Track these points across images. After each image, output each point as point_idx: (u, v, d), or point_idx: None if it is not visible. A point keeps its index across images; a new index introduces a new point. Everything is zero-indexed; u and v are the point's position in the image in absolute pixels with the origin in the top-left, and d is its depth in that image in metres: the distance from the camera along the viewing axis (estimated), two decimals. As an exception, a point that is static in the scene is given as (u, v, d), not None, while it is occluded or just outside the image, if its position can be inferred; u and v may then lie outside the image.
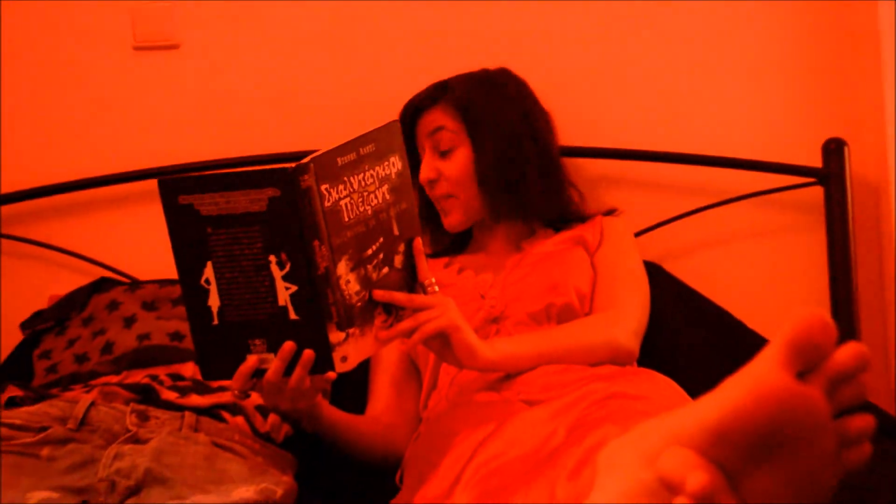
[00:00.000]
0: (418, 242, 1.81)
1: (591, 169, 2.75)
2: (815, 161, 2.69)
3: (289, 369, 1.67)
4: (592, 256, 2.27)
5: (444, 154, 2.28)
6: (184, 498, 1.71)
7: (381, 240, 1.72)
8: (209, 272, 1.64)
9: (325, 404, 2.00)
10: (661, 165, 2.75)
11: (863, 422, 1.00)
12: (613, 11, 2.81)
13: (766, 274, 2.76)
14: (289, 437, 2.19)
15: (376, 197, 1.71)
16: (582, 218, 2.39)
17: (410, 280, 1.81)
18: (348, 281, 1.64)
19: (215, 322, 1.67)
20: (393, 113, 2.33)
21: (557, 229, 2.35)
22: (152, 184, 1.69)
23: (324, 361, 1.65)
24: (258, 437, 2.09)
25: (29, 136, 2.86)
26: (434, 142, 2.28)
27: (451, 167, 2.26)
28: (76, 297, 2.61)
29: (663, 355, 2.24)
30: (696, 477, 0.95)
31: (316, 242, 1.59)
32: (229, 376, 1.70)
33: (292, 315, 1.63)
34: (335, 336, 1.64)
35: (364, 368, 2.27)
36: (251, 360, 1.68)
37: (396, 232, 1.76)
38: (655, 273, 2.47)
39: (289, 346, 1.65)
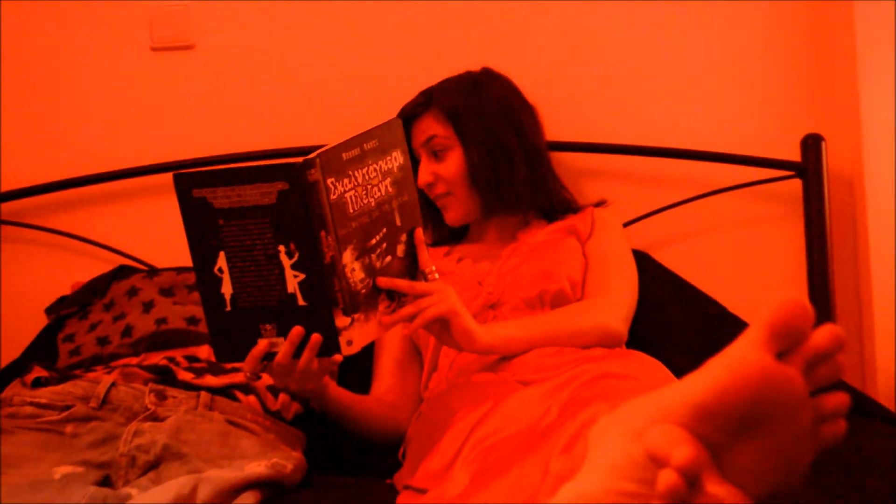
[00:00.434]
0: (419, 232, 1.81)
1: (575, 163, 2.75)
2: (794, 155, 2.69)
3: (297, 352, 1.67)
4: (584, 245, 2.27)
5: (438, 157, 2.28)
6: (199, 472, 1.71)
7: (384, 230, 1.72)
8: (222, 261, 1.64)
9: (331, 385, 2.00)
10: (646, 159, 2.75)
11: (838, 399, 1.00)
12: (597, 10, 2.80)
13: (747, 262, 2.76)
14: (298, 415, 2.19)
15: (379, 190, 1.71)
16: (574, 209, 2.39)
17: (412, 268, 1.81)
18: (353, 269, 1.65)
19: (228, 308, 1.67)
20: (394, 109, 2.34)
21: (550, 220, 2.35)
22: (168, 177, 1.69)
23: (330, 345, 1.65)
24: (269, 416, 2.09)
25: (53, 131, 2.86)
26: (428, 149, 2.29)
27: (445, 169, 2.27)
28: (98, 284, 2.61)
29: (651, 338, 2.24)
30: (681, 451, 0.95)
31: (323, 233, 1.59)
32: (242, 358, 1.70)
33: (301, 301, 1.63)
34: (341, 321, 1.64)
35: (368, 351, 2.27)
36: (262, 344, 1.68)
37: (398, 223, 1.76)
38: (643, 261, 2.48)
39: (297, 330, 1.65)
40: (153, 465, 1.81)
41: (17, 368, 2.44)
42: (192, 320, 2.39)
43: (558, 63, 2.80)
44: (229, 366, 2.14)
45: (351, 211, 1.64)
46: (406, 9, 2.83)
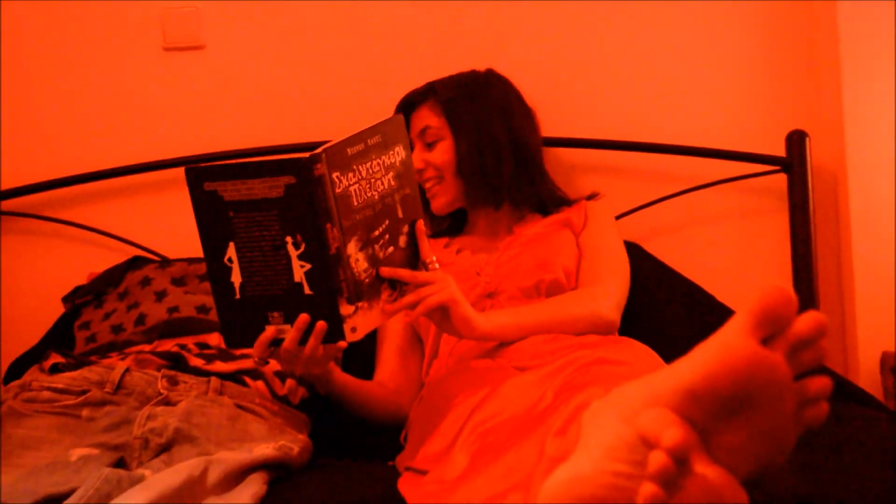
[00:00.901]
0: (420, 224, 1.81)
1: (570, 157, 2.75)
2: (779, 151, 2.69)
3: (304, 339, 1.67)
4: (578, 237, 2.27)
5: (429, 146, 2.29)
6: (210, 454, 1.72)
7: (387, 222, 1.73)
8: (232, 252, 1.64)
9: (336, 370, 2.00)
10: (638, 154, 2.75)
11: (820, 383, 1.00)
12: (592, 12, 2.81)
13: (734, 252, 2.76)
14: (304, 399, 2.20)
15: (382, 183, 1.71)
16: (568, 203, 2.39)
17: (413, 258, 1.81)
18: (357, 259, 1.65)
19: (237, 296, 1.67)
20: (395, 105, 2.35)
21: (545, 214, 2.35)
22: (180, 172, 1.69)
23: (335, 332, 1.65)
24: (277, 400, 2.09)
25: (70, 128, 2.86)
26: (422, 139, 2.29)
27: (435, 156, 2.27)
28: (112, 274, 2.61)
29: (642, 325, 2.24)
30: (671, 433, 0.96)
31: (328, 225, 1.59)
32: (250, 345, 1.71)
33: (307, 290, 1.63)
34: (345, 309, 1.64)
35: (372, 338, 2.28)
36: (270, 331, 1.68)
37: (401, 215, 1.76)
38: (635, 252, 2.48)
39: (304, 318, 1.65)
40: (166, 448, 1.81)
41: (36, 355, 2.45)
42: (203, 309, 2.39)
43: (555, 63, 2.80)
44: (238, 352, 2.14)
45: (355, 204, 1.64)
46: (409, 9, 2.83)
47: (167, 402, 1.92)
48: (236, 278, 1.65)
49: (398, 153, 1.75)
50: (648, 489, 0.94)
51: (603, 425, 1.07)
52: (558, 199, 2.40)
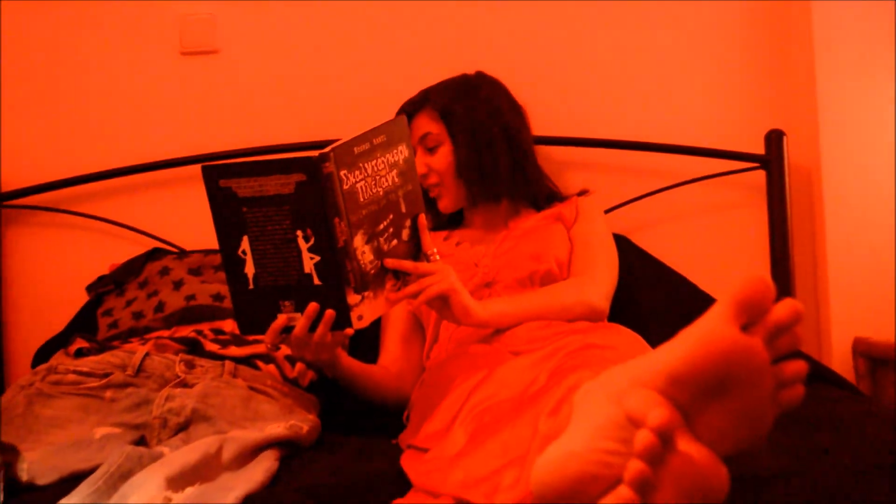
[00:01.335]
0: (422, 218, 1.81)
1: (561, 155, 2.75)
2: (759, 149, 2.69)
3: (313, 326, 1.68)
4: (569, 231, 2.27)
5: (430, 151, 2.28)
6: (224, 433, 1.72)
7: (391, 216, 1.73)
8: (245, 244, 1.64)
9: (343, 355, 2.00)
10: (625, 152, 2.74)
11: (797, 367, 1.00)
12: (581, 17, 2.81)
13: (716, 244, 2.76)
14: (313, 382, 2.20)
15: (387, 180, 1.71)
16: (560, 198, 2.40)
17: (416, 250, 1.81)
18: (363, 252, 1.65)
19: (251, 286, 1.67)
20: (398, 106, 2.35)
21: (539, 209, 2.35)
22: (197, 169, 1.69)
23: (343, 319, 1.65)
24: (287, 383, 2.09)
25: (94, 128, 2.86)
26: (423, 144, 2.29)
27: (436, 161, 2.27)
28: (133, 264, 2.62)
29: (630, 312, 2.24)
30: (657, 413, 0.96)
31: (336, 219, 1.59)
32: (263, 331, 1.71)
33: (316, 281, 1.63)
34: (352, 298, 1.64)
35: (376, 325, 2.28)
36: (281, 319, 1.69)
37: (404, 209, 1.77)
38: (623, 244, 2.48)
39: (313, 306, 1.65)
40: (183, 427, 1.81)
41: (62, 340, 2.45)
42: (218, 297, 2.39)
43: (545, 65, 2.80)
44: (251, 338, 2.14)
45: (361, 199, 1.64)
46: (407, 16, 2.83)
47: (184, 385, 1.92)
48: (250, 269, 1.65)
49: (401, 152, 1.75)
50: (635, 465, 0.95)
51: (593, 406, 1.07)
52: (552, 194, 2.40)
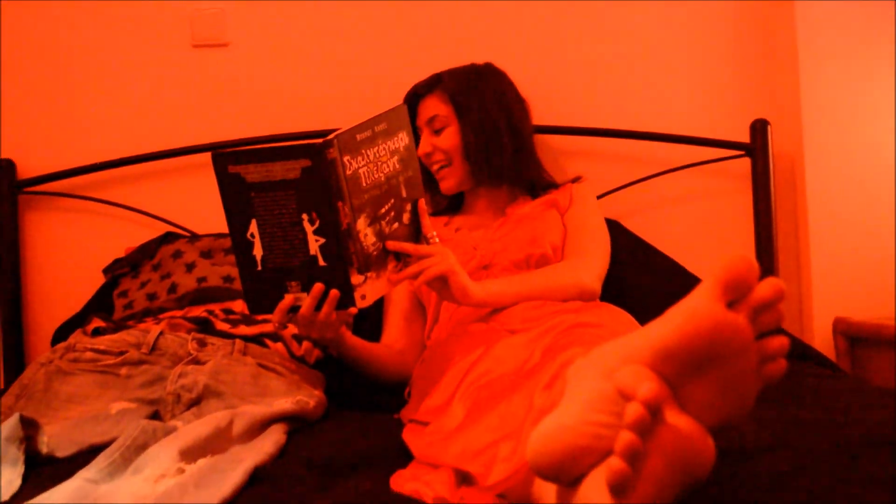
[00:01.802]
0: (422, 203, 1.81)
1: (557, 144, 2.75)
2: (744, 137, 2.69)
3: (318, 305, 1.68)
4: (563, 216, 2.27)
5: (437, 132, 2.28)
6: (235, 408, 1.72)
7: (393, 201, 1.72)
8: (254, 228, 1.64)
9: (348, 334, 2.00)
10: (618, 140, 2.75)
11: (779, 342, 1.00)
12: (576, 15, 2.81)
13: (703, 228, 2.76)
14: (319, 360, 2.20)
15: (388, 166, 1.71)
16: (555, 185, 2.39)
17: (416, 233, 1.81)
18: (366, 234, 1.65)
19: (259, 268, 1.67)
20: (399, 96, 2.34)
21: (534, 196, 2.35)
22: (207, 156, 1.69)
23: (347, 299, 1.65)
24: (294, 360, 2.10)
25: (109, 117, 2.86)
26: (430, 126, 2.29)
27: (442, 142, 2.27)
28: (147, 248, 2.62)
29: (621, 293, 2.24)
30: (646, 386, 0.96)
31: (340, 203, 1.59)
32: (271, 311, 1.71)
33: (321, 262, 1.63)
34: (356, 279, 1.64)
35: (379, 305, 2.28)
36: (288, 299, 1.68)
37: (404, 194, 1.76)
38: (615, 228, 2.48)
39: (318, 287, 1.65)
40: (195, 402, 1.82)
41: (79, 320, 2.46)
42: (228, 279, 2.39)
43: (543, 58, 2.80)
44: (260, 317, 2.14)
45: (364, 184, 1.64)
46: (413, 11, 2.83)
47: (196, 362, 1.93)
48: (258, 252, 1.65)
49: (402, 139, 1.75)
50: (625, 436, 0.95)
51: (585, 381, 1.07)
52: (547, 182, 2.40)
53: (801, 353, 2.23)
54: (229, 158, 1.62)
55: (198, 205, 2.77)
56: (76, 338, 2.03)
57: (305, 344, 2.16)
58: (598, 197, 2.58)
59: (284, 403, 1.78)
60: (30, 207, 2.86)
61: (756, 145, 2.66)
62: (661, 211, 2.78)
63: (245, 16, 2.85)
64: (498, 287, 1.95)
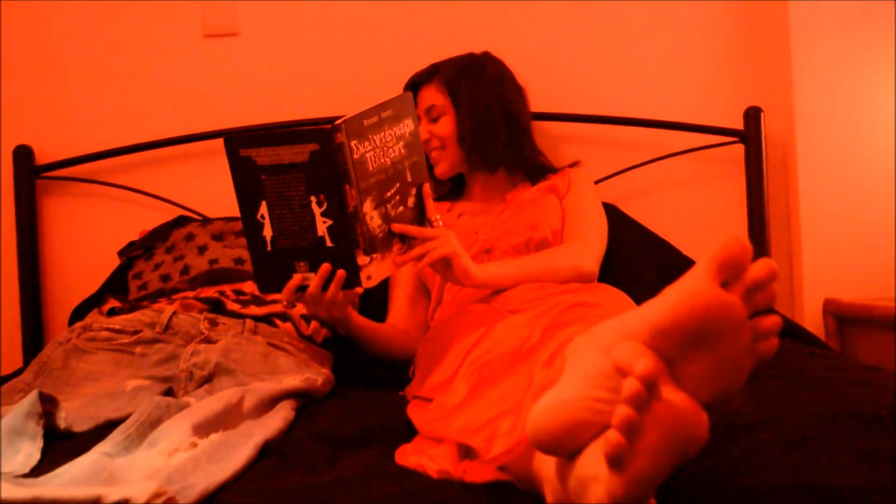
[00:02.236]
0: (426, 187, 1.81)
1: (556, 130, 2.75)
2: (738, 124, 2.69)
3: (326, 285, 1.68)
4: (562, 201, 2.27)
5: (434, 120, 2.28)
6: (245, 384, 1.73)
7: (398, 185, 1.72)
8: (264, 209, 1.64)
9: (354, 313, 2.00)
10: (616, 127, 2.74)
11: (772, 321, 1.00)
12: (577, 5, 2.80)
13: (698, 212, 2.76)
14: (327, 339, 2.21)
15: (394, 151, 1.70)
16: (553, 170, 2.39)
17: (421, 216, 1.81)
18: (372, 217, 1.65)
19: (269, 249, 1.67)
20: (404, 83, 2.35)
21: (534, 182, 2.35)
22: (218, 142, 1.69)
23: (353, 279, 1.66)
24: (303, 339, 2.10)
25: (123, 104, 2.86)
26: (428, 114, 2.29)
27: (438, 129, 2.27)
28: (161, 231, 2.62)
29: (618, 274, 2.24)
30: (643, 362, 0.96)
31: (347, 186, 1.59)
32: (280, 291, 1.71)
33: (328, 243, 1.63)
34: (362, 260, 1.64)
35: (384, 286, 2.28)
36: (297, 278, 1.69)
37: (409, 178, 1.76)
38: (612, 212, 2.47)
39: (326, 267, 1.66)
40: (207, 379, 1.83)
41: (96, 300, 2.46)
42: (239, 261, 2.40)
43: (543, 47, 2.79)
44: (269, 297, 2.15)
45: (370, 168, 1.64)
46: (418, 2, 2.82)
47: (208, 341, 1.93)
48: (268, 233, 1.65)
49: (407, 125, 1.75)
50: (622, 411, 0.95)
51: (583, 358, 1.07)
52: (545, 167, 2.39)
53: (792, 332, 2.23)
54: (240, 142, 1.62)
55: (209, 189, 2.77)
56: (92, 318, 2.04)
57: (313, 323, 2.17)
58: (596, 182, 2.58)
59: (293, 381, 1.79)
60: (47, 192, 2.86)
61: (749, 132, 2.66)
62: (657, 195, 2.77)
63: (254, 6, 2.85)
64: (499, 269, 1.95)
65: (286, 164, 1.59)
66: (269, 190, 1.62)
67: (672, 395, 0.97)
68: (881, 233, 2.62)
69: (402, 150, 1.73)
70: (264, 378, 1.81)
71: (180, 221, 2.65)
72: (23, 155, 2.79)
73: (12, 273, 2.80)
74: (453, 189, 2.44)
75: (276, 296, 1.97)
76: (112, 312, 2.06)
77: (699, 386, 1.00)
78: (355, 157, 1.59)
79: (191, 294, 2.22)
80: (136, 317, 1.99)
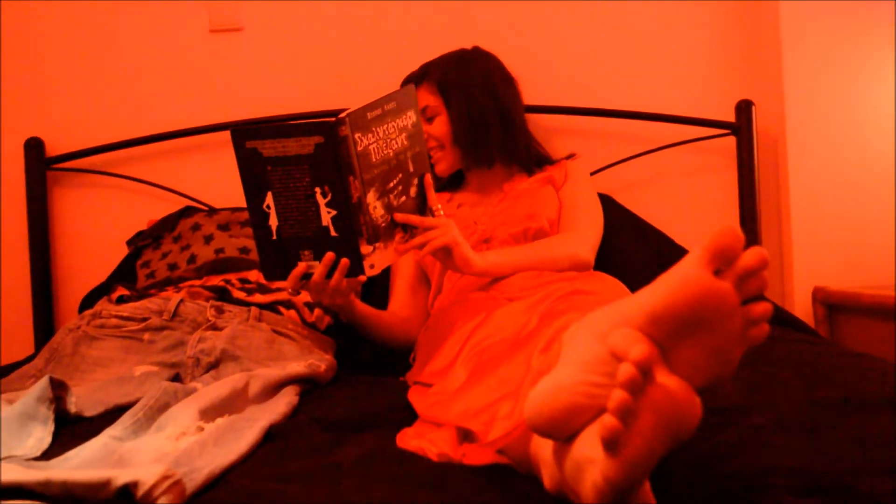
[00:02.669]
0: (428, 177, 1.81)
1: (552, 123, 2.74)
2: (730, 117, 2.68)
3: (330, 273, 1.68)
4: (559, 192, 2.27)
5: (429, 120, 2.27)
6: (251, 370, 1.73)
7: (400, 175, 1.72)
8: (269, 200, 1.64)
9: (357, 301, 2.00)
10: (611, 120, 2.74)
11: (763, 308, 1.00)
12: (576, 6, 2.79)
13: (691, 202, 2.76)
14: (330, 326, 2.21)
15: (396, 143, 1.70)
16: (550, 162, 2.39)
17: (422, 206, 1.81)
18: (375, 207, 1.65)
19: (274, 238, 1.67)
20: (403, 77, 2.34)
21: (531, 173, 2.35)
22: (225, 134, 1.70)
23: (356, 268, 1.65)
24: (307, 326, 2.10)
25: (132, 98, 2.86)
26: (423, 115, 2.28)
27: (434, 129, 2.26)
28: (168, 221, 2.61)
29: (613, 263, 2.24)
30: (637, 348, 0.96)
31: (351, 178, 1.59)
32: (285, 279, 1.71)
33: (332, 233, 1.63)
34: (365, 249, 1.64)
35: (386, 274, 2.28)
36: (301, 267, 1.68)
37: (411, 169, 1.76)
38: (607, 202, 2.47)
39: (330, 255, 1.66)
40: (214, 365, 1.83)
41: (105, 288, 2.46)
42: (244, 250, 2.39)
43: (537, 40, 2.78)
44: (274, 286, 2.15)
45: (374, 160, 1.63)
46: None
47: (215, 328, 1.93)
48: (273, 222, 1.65)
49: (409, 117, 1.74)
50: (618, 395, 0.95)
51: (579, 344, 1.07)
52: (542, 158, 2.39)
53: (782, 320, 2.23)
54: (247, 134, 1.62)
55: (216, 180, 2.77)
56: (102, 305, 2.04)
57: (317, 311, 2.17)
58: (592, 173, 2.57)
59: (297, 367, 1.79)
60: (58, 183, 2.86)
61: (741, 124, 2.65)
62: (651, 186, 2.77)
63: (258, 3, 2.84)
64: (498, 258, 1.95)
65: (291, 155, 1.59)
66: (275, 181, 1.62)
67: (666, 379, 0.97)
68: (869, 222, 2.62)
69: (405, 142, 1.73)
70: (269, 364, 1.81)
71: (187, 212, 2.65)
72: (34, 147, 2.79)
73: (24, 262, 2.81)
74: (453, 180, 2.44)
75: (280, 284, 1.96)
76: (121, 300, 2.06)
77: (692, 371, 1.00)
78: (359, 149, 1.59)
79: (197, 282, 2.22)
80: (144, 304, 1.99)
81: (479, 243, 2.13)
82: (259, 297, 2.08)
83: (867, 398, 1.39)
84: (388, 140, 1.68)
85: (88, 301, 2.47)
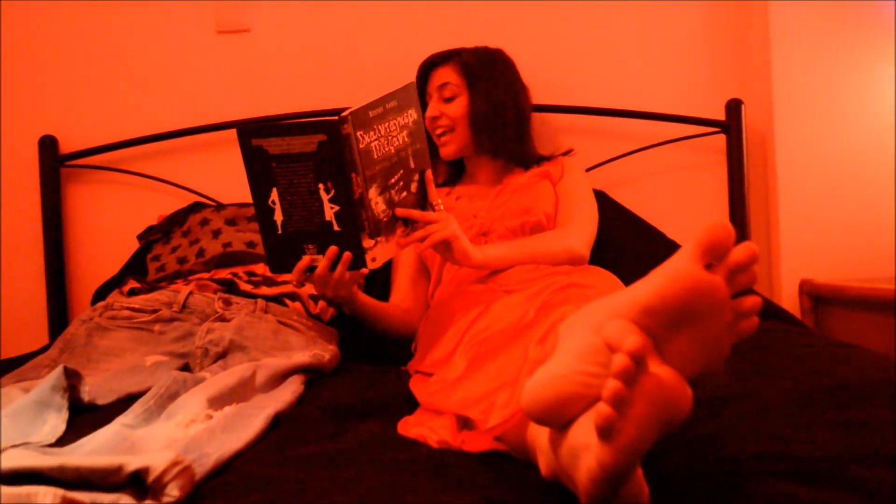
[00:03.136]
0: (429, 173, 1.81)
1: (552, 121, 2.75)
2: (720, 115, 2.68)
3: (333, 266, 1.68)
4: (555, 187, 2.26)
5: (447, 100, 2.27)
6: (257, 360, 1.73)
7: (401, 171, 1.72)
8: (274, 196, 1.64)
9: (359, 293, 2.00)
10: (606, 118, 2.74)
11: (753, 301, 1.00)
12: (571, 8, 2.79)
13: (683, 199, 2.76)
14: (333, 317, 2.21)
15: (398, 140, 1.70)
16: (546, 158, 2.39)
17: (423, 201, 1.80)
18: (377, 202, 1.64)
19: (279, 232, 1.67)
20: (409, 78, 2.31)
21: (528, 168, 2.34)
22: (232, 132, 1.70)
23: (359, 261, 1.65)
24: (311, 318, 2.10)
25: (143, 97, 2.86)
26: (440, 92, 2.28)
27: (451, 109, 2.26)
28: (177, 216, 2.61)
29: (607, 257, 2.23)
30: (631, 339, 0.96)
31: (353, 174, 1.59)
32: (290, 271, 1.71)
33: (336, 227, 1.63)
34: (367, 242, 1.64)
35: (388, 267, 2.28)
36: (305, 260, 1.68)
37: (412, 165, 1.76)
38: (602, 198, 2.47)
39: (333, 249, 1.65)
40: (222, 355, 1.83)
41: (116, 281, 2.46)
42: (251, 244, 2.39)
43: (538, 42, 2.78)
44: (280, 278, 2.15)
45: (375, 157, 1.63)
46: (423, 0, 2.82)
47: (222, 319, 1.93)
48: (278, 217, 1.65)
49: (410, 115, 1.74)
50: (612, 384, 0.94)
51: (575, 335, 1.07)
52: (537, 156, 2.39)
53: (770, 311, 2.23)
54: (253, 133, 1.61)
55: (223, 177, 2.78)
56: (114, 297, 2.04)
57: (321, 303, 2.17)
58: (588, 169, 2.58)
59: (302, 356, 1.79)
60: (71, 180, 2.86)
61: (731, 123, 2.65)
62: (644, 182, 2.77)
63: (265, 4, 2.84)
64: (496, 251, 1.95)
65: (296, 153, 1.58)
66: (280, 177, 1.61)
67: (659, 369, 0.97)
68: (854, 217, 2.62)
69: (406, 139, 1.73)
70: (275, 354, 1.81)
71: (196, 207, 2.65)
72: (47, 144, 2.79)
73: (38, 256, 2.81)
74: (452, 175, 2.44)
75: (286, 276, 1.97)
76: (132, 292, 2.06)
77: (684, 361, 0.99)
78: (361, 146, 1.59)
79: (206, 275, 2.22)
80: (155, 297, 1.99)
81: (477, 236, 2.13)
82: (265, 290, 2.08)
83: (854, 386, 1.39)
84: (390, 137, 1.67)
85: (101, 293, 2.47)
